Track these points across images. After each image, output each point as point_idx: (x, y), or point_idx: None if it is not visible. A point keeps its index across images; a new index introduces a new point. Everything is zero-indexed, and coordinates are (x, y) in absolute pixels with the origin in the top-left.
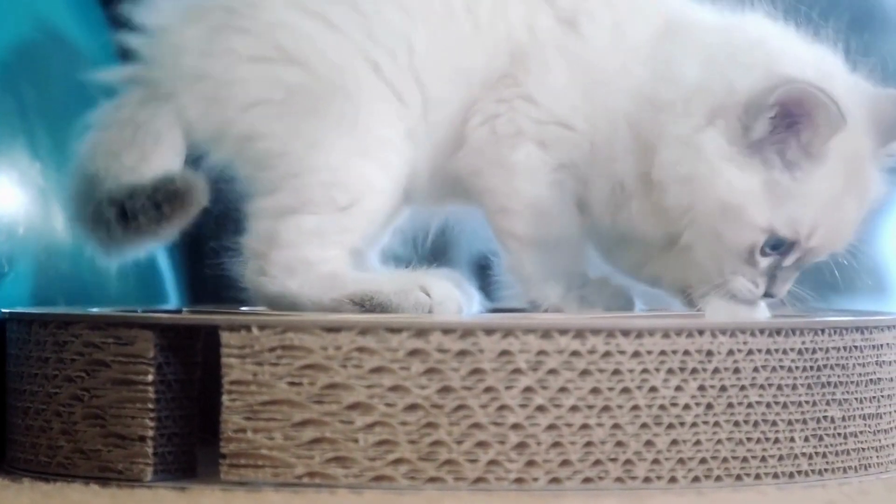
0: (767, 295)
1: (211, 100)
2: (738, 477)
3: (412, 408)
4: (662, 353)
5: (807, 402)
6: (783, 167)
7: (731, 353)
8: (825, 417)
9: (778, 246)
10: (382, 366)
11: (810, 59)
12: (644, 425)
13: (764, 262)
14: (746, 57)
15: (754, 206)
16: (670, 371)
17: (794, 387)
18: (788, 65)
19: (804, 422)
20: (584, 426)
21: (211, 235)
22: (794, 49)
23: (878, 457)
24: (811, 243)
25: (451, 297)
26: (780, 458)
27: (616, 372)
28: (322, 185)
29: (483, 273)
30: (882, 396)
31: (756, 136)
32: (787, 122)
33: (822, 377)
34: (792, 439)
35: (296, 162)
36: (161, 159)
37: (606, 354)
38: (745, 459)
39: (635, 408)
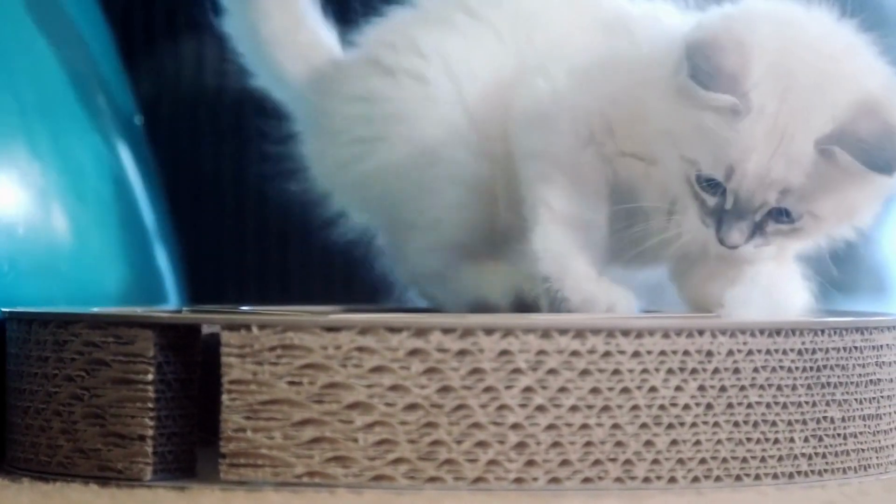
0: (723, 243)
1: None
2: (738, 477)
3: (412, 407)
4: (662, 353)
5: (806, 403)
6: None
7: (730, 353)
8: (825, 418)
9: (714, 185)
10: (382, 365)
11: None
12: (644, 425)
13: (710, 202)
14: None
15: (685, 137)
16: (670, 371)
17: (794, 387)
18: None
19: (804, 422)
20: (584, 426)
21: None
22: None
23: (877, 458)
24: (731, 185)
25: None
26: (780, 458)
27: (616, 372)
28: None
29: None
30: (882, 397)
31: (682, 77)
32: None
33: (822, 378)
34: (791, 440)
35: None
36: None
37: (606, 354)
38: (744, 460)
39: (635, 408)
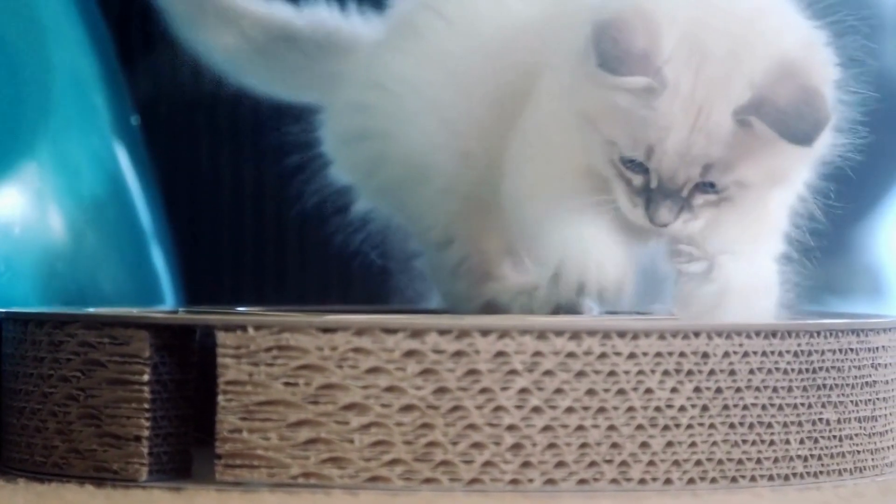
0: (652, 222)
1: None
2: (734, 479)
3: (408, 408)
4: (658, 354)
5: (802, 405)
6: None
7: (726, 354)
8: (821, 420)
9: (637, 165)
10: (378, 366)
11: None
12: (639, 427)
13: (636, 181)
14: None
15: (601, 119)
16: (666, 373)
17: (790, 389)
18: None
19: (800, 424)
20: (580, 427)
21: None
22: None
23: (873, 459)
24: (652, 164)
25: None
26: (776, 460)
27: (612, 373)
28: None
29: None
30: (877, 399)
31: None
32: None
33: (818, 380)
34: (787, 441)
35: None
36: None
37: (602, 356)
38: (740, 461)
39: (631, 409)
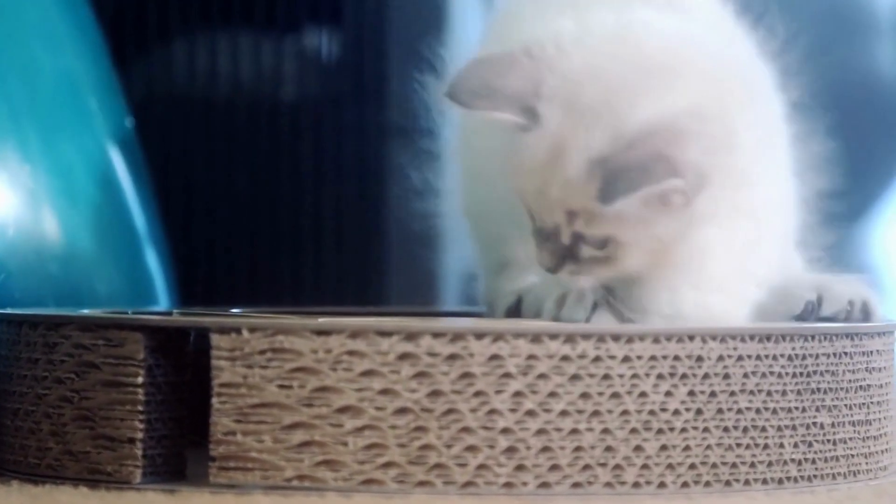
0: (538, 263)
1: None
2: (728, 483)
3: (402, 411)
4: (652, 357)
5: (796, 408)
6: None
7: (721, 358)
8: (815, 423)
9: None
10: (372, 369)
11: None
12: (633, 430)
13: (530, 219)
14: None
15: (506, 163)
16: (660, 376)
17: (784, 392)
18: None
19: (794, 428)
20: (574, 431)
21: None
22: None
23: (867, 463)
24: (524, 203)
25: None
26: (770, 463)
27: (606, 377)
28: None
29: None
30: (871, 403)
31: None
32: None
33: (812, 383)
34: (781, 445)
35: None
36: None
37: (596, 359)
38: (734, 465)
39: (625, 413)
